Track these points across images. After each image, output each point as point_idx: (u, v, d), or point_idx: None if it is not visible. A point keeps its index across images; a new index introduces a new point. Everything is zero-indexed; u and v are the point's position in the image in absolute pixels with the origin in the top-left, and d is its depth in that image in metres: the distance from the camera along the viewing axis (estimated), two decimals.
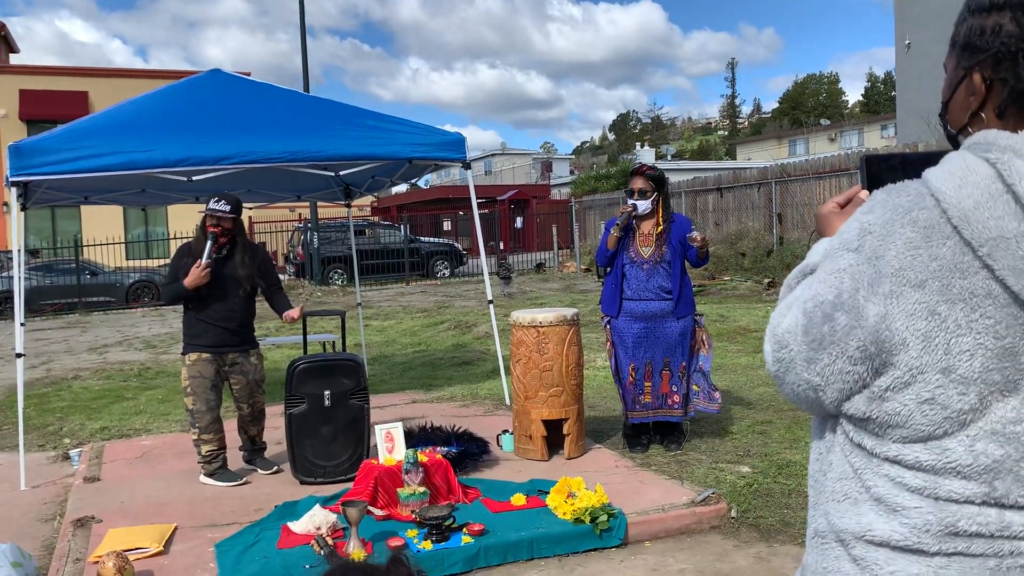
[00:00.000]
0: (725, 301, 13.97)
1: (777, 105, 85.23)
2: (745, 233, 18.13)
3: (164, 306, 5.40)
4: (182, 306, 5.13)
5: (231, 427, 5.42)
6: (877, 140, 51.09)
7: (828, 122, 65.04)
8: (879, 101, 71.69)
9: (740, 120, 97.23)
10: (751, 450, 5.35)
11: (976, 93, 1.17)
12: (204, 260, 4.94)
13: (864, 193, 1.34)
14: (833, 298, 1.16)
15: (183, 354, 5.08)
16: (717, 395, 5.36)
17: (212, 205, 5.03)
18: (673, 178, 31.18)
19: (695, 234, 5.18)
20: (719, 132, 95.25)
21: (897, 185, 1.18)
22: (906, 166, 1.33)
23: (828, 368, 1.18)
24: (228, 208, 5.04)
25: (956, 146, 1.21)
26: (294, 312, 5.23)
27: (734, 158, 62.49)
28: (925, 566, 1.12)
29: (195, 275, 4.92)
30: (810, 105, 78.90)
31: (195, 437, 5.02)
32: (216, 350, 5.04)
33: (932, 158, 1.25)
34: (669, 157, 59.68)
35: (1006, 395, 1.08)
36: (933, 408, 1.10)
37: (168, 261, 5.45)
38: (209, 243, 4.99)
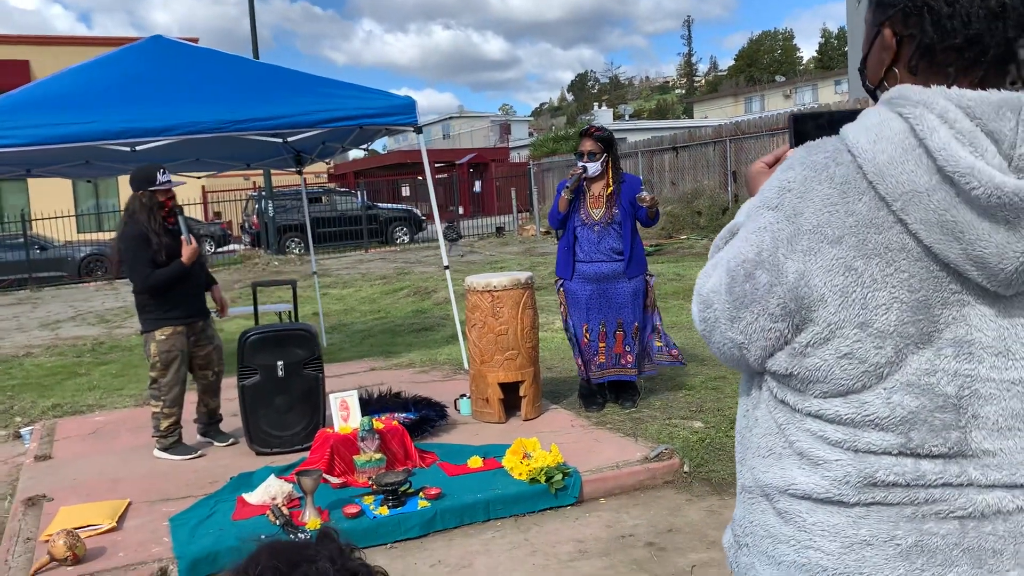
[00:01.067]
0: (682, 260, 14.09)
1: (733, 63, 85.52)
2: (701, 192, 18.25)
3: (117, 280, 5.22)
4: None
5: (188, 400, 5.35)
6: (831, 96, 51.54)
7: (783, 79, 65.43)
8: (833, 57, 72.23)
9: (697, 78, 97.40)
10: (704, 405, 5.43)
11: (887, 48, 1.17)
12: (187, 235, 4.92)
13: (792, 152, 1.34)
14: (754, 256, 1.17)
15: (150, 330, 4.89)
16: (675, 352, 5.43)
17: (166, 181, 4.90)
18: (630, 138, 31.25)
19: (644, 194, 5.19)
20: (676, 91, 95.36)
21: (816, 142, 1.18)
22: (834, 124, 1.33)
23: (751, 326, 1.18)
24: (182, 182, 5.01)
25: (876, 101, 1.21)
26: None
27: (691, 117, 62.67)
28: (845, 516, 1.14)
29: (190, 252, 4.89)
30: (766, 62, 79.29)
31: (156, 410, 4.95)
32: (188, 321, 5.00)
33: (859, 115, 1.25)
34: (627, 117, 59.71)
35: (920, 347, 1.10)
36: (851, 362, 1.11)
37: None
38: (180, 218, 4.96)
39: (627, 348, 5.35)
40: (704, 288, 1.28)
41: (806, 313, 1.13)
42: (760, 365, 1.22)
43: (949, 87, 1.07)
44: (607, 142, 5.37)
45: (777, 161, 1.39)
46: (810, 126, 1.35)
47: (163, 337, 4.87)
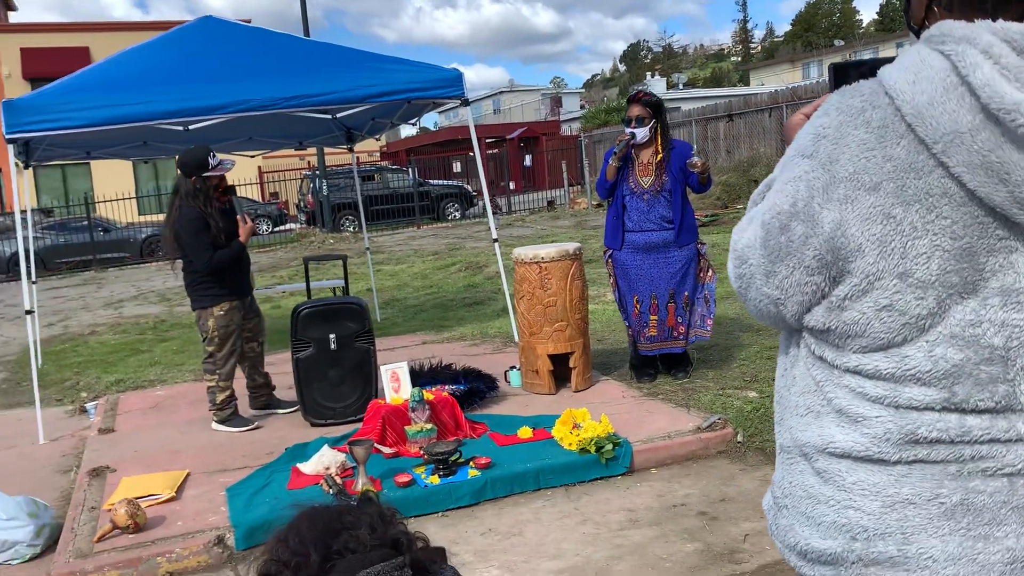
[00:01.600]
0: None
1: (790, 28, 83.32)
2: (757, 160, 17.88)
3: (171, 262, 5.32)
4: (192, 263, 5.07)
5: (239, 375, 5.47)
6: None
7: (842, 43, 63.55)
8: (894, 19, 69.84)
9: (753, 45, 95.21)
10: (758, 375, 5.35)
11: None
12: (242, 213, 5.10)
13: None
14: (789, 207, 1.12)
15: (207, 307, 4.99)
16: (710, 323, 5.32)
17: (218, 164, 4.98)
18: (685, 106, 30.72)
19: (695, 159, 5.07)
20: (732, 58, 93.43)
21: (852, 86, 1.13)
22: (875, 73, 1.27)
23: (786, 280, 1.15)
24: (231, 162, 5.13)
25: None
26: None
27: (747, 84, 61.34)
28: (886, 475, 1.10)
29: (247, 230, 5.07)
30: (824, 26, 77.04)
31: (212, 384, 5.07)
32: (242, 296, 5.14)
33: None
34: (681, 86, 58.73)
35: (964, 297, 1.05)
36: (891, 314, 1.07)
37: None
38: (235, 199, 5.14)
39: (679, 320, 5.27)
40: (739, 244, 1.24)
41: (843, 264, 1.08)
42: (797, 321, 1.18)
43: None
44: (656, 107, 5.26)
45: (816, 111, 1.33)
46: (852, 76, 1.29)
47: (221, 312, 4.98)
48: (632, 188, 5.24)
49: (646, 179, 5.22)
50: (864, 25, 79.42)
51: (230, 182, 5.27)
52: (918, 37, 1.17)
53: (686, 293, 5.25)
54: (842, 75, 1.31)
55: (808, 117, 1.33)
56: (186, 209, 4.95)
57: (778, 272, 1.15)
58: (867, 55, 54.94)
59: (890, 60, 1.24)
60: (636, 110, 5.23)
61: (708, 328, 5.34)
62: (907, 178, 1.04)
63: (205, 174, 4.95)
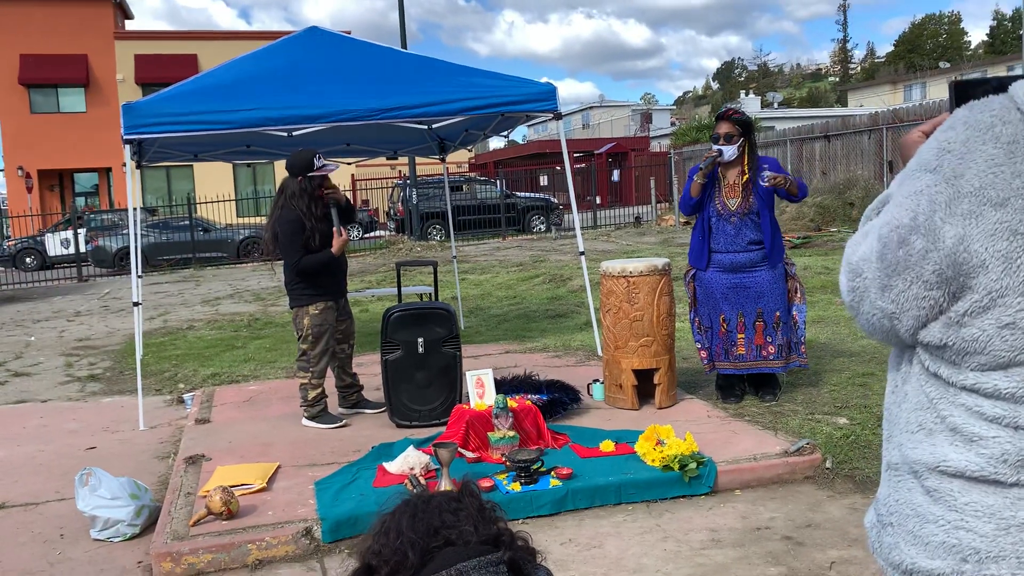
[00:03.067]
0: (831, 254, 13.49)
1: (892, 48, 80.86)
2: (854, 182, 17.40)
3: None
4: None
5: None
6: None
7: (948, 65, 61.32)
8: (1005, 41, 67.05)
9: (852, 65, 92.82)
10: (850, 402, 5.20)
11: None
12: (338, 227, 5.19)
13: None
14: (909, 221, 1.11)
15: (303, 305, 5.16)
16: (803, 348, 5.21)
17: (321, 165, 5.15)
18: (779, 126, 30.12)
19: (767, 172, 4.97)
20: (829, 78, 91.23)
21: (980, 101, 1.11)
22: (1000, 91, 1.25)
23: (903, 294, 1.13)
24: (335, 166, 5.28)
25: None
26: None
27: (845, 105, 59.77)
28: (1002, 497, 1.08)
29: (340, 243, 5.17)
30: (928, 47, 74.52)
31: (305, 381, 5.23)
32: (337, 298, 5.30)
33: None
34: (776, 105, 57.60)
35: None
36: (1015, 333, 1.05)
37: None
38: (334, 210, 5.22)
39: (768, 339, 5.17)
40: (854, 256, 1.23)
41: (964, 280, 1.07)
42: (911, 336, 1.17)
43: None
44: (745, 125, 5.19)
45: (935, 129, 1.31)
46: (974, 92, 1.27)
47: (316, 312, 5.14)
48: (719, 210, 5.16)
49: (733, 200, 5.14)
50: (972, 47, 76.46)
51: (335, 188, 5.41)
52: None
53: (777, 312, 5.15)
54: (963, 92, 1.29)
55: (926, 135, 1.32)
56: (287, 210, 5.14)
57: (895, 286, 1.14)
58: (975, 77, 52.87)
59: (1017, 78, 1.22)
60: (725, 127, 5.16)
61: (803, 354, 5.23)
62: None
63: (310, 174, 5.14)
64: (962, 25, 78.01)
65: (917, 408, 1.18)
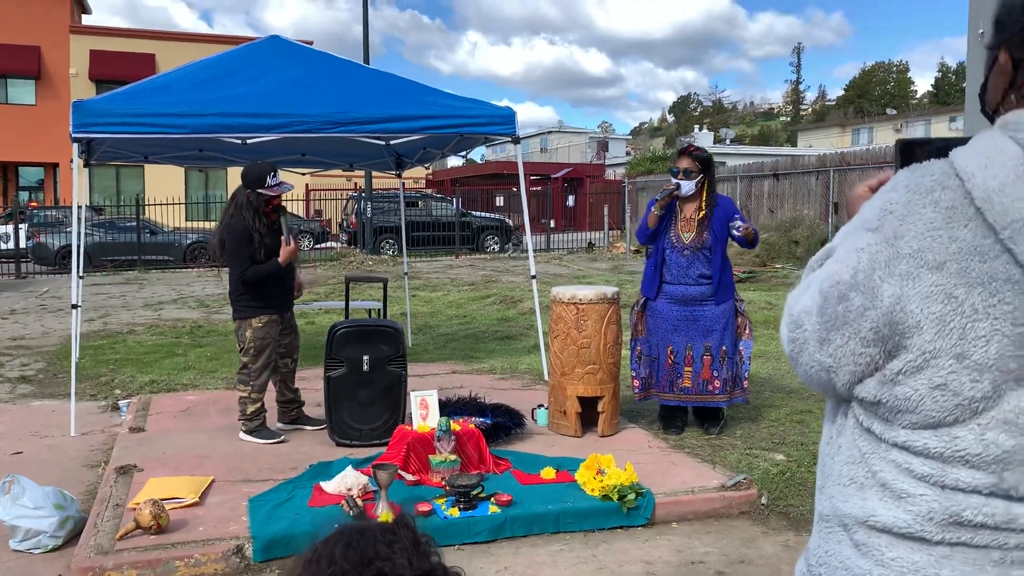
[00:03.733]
0: (775, 289, 13.76)
1: (843, 93, 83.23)
2: (800, 221, 17.80)
3: (218, 268, 5.40)
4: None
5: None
6: (945, 131, 49.52)
7: (895, 112, 63.26)
8: (950, 92, 69.49)
9: (804, 107, 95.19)
10: (787, 438, 5.29)
11: (1004, 72, 1.13)
12: (287, 236, 5.15)
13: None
14: (849, 278, 1.14)
15: (246, 317, 5.09)
16: (745, 383, 5.33)
17: (275, 184, 5.11)
18: (730, 162, 30.69)
19: (738, 223, 5.11)
20: (781, 118, 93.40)
21: (922, 164, 1.15)
22: (944, 152, 1.29)
23: (841, 349, 1.16)
24: (290, 186, 5.26)
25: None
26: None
27: (795, 145, 61.19)
28: (927, 554, 1.10)
29: (288, 252, 5.12)
30: (877, 94, 76.86)
31: (244, 395, 5.13)
32: (281, 311, 5.22)
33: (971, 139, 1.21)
34: (728, 141, 58.67)
35: (1021, 384, 1.05)
36: (945, 394, 1.07)
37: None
38: (283, 218, 5.19)
39: (715, 373, 5.24)
40: (795, 308, 1.25)
41: (900, 339, 1.09)
42: (848, 391, 1.19)
43: None
44: (705, 162, 5.29)
45: (881, 185, 1.35)
46: (918, 153, 1.31)
47: (260, 324, 5.06)
48: (673, 242, 5.26)
49: (687, 234, 5.24)
50: (918, 96, 79.07)
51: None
52: (992, 122, 1.19)
53: (724, 347, 5.23)
54: (908, 152, 1.32)
55: (872, 190, 1.35)
56: (236, 219, 5.08)
57: (833, 340, 1.16)
58: (919, 126, 54.63)
59: (959, 141, 1.26)
60: (685, 162, 5.26)
61: (746, 390, 5.34)
62: (972, 261, 1.05)
63: (261, 190, 5.07)
64: (909, 74, 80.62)
65: (849, 462, 1.20)
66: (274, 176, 5.13)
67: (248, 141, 6.26)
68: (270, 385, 5.27)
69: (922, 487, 1.11)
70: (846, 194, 17.29)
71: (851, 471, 1.20)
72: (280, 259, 5.09)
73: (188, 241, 20.25)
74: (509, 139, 6.69)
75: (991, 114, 1.19)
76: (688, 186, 5.22)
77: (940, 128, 51.68)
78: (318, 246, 23.73)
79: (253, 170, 5.13)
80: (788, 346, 1.27)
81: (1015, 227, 1.02)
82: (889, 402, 1.12)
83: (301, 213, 26.43)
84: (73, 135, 5.68)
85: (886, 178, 1.34)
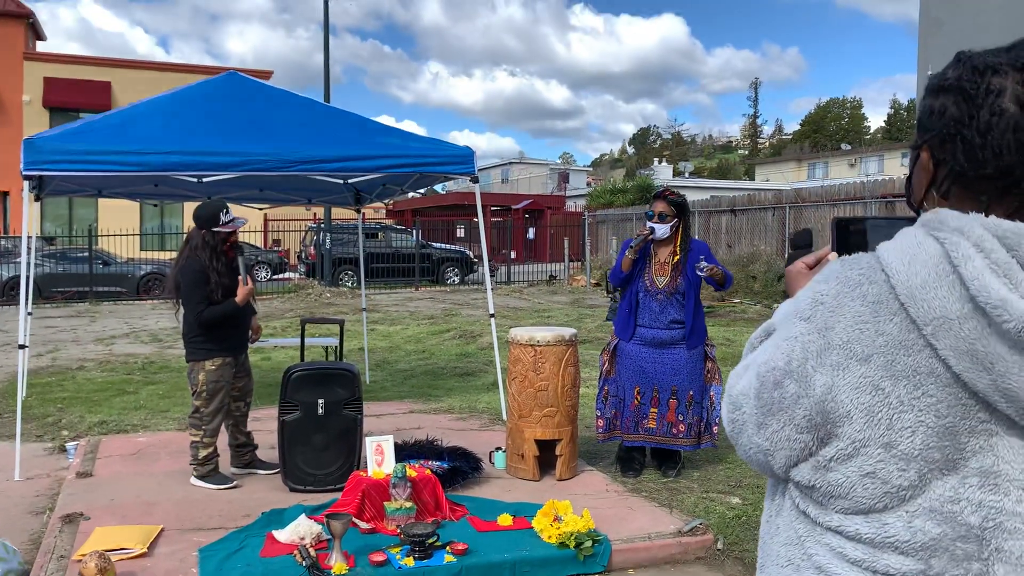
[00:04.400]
0: (732, 324, 13.93)
1: (799, 127, 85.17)
2: (757, 256, 18.09)
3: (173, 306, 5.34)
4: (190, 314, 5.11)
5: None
6: (897, 168, 50.85)
7: (849, 147, 64.84)
8: (902, 128, 71.50)
9: (761, 140, 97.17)
10: (743, 481, 5.33)
11: (926, 170, 1.18)
12: (244, 276, 5.09)
13: (833, 255, 1.35)
14: (783, 365, 1.17)
15: (199, 360, 5.03)
16: (715, 428, 5.35)
17: (229, 221, 5.06)
18: (689, 196, 31.18)
19: (703, 263, 5.13)
20: (739, 151, 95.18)
21: (852, 257, 1.18)
22: (874, 230, 1.34)
23: (777, 434, 1.18)
24: (243, 221, 5.21)
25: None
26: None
27: (752, 178, 62.37)
28: None
29: (245, 292, 5.06)
30: (832, 129, 78.80)
31: (196, 439, 5.05)
32: (235, 353, 5.16)
33: (898, 224, 1.26)
34: (687, 174, 59.61)
35: (945, 474, 1.09)
36: (874, 482, 1.10)
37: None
38: (240, 258, 5.13)
39: (680, 417, 5.27)
40: (734, 390, 1.28)
41: (831, 427, 1.12)
42: (784, 473, 1.22)
43: (984, 215, 1.08)
44: (680, 207, 5.33)
45: (818, 263, 1.39)
46: (851, 231, 1.36)
47: (213, 367, 4.99)
48: (647, 286, 5.29)
49: (661, 279, 5.28)
50: (871, 132, 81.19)
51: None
52: (917, 216, 1.23)
53: (691, 392, 5.26)
54: (843, 229, 1.38)
55: (809, 267, 1.39)
56: (192, 260, 5.03)
57: (769, 425, 1.19)
58: (873, 161, 56.02)
59: (890, 221, 1.32)
60: (660, 206, 5.30)
61: (715, 435, 5.36)
62: (897, 354, 1.08)
63: (215, 228, 5.03)
64: (863, 111, 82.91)
65: (787, 543, 1.22)
66: (227, 213, 5.10)
67: (204, 179, 6.22)
68: (223, 429, 5.19)
69: (855, 571, 1.13)
70: (801, 227, 17.57)
71: (788, 552, 1.22)
72: (238, 299, 5.04)
73: (142, 272, 19.91)
74: (468, 177, 6.73)
75: (915, 209, 1.24)
76: (662, 230, 5.27)
77: (893, 163, 53.05)
78: (275, 277, 23.51)
79: (205, 210, 5.09)
80: (729, 427, 1.30)
81: (936, 324, 1.06)
82: (823, 487, 1.15)
83: (259, 243, 26.21)
84: (24, 172, 5.59)
85: (822, 255, 1.39)
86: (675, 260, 5.27)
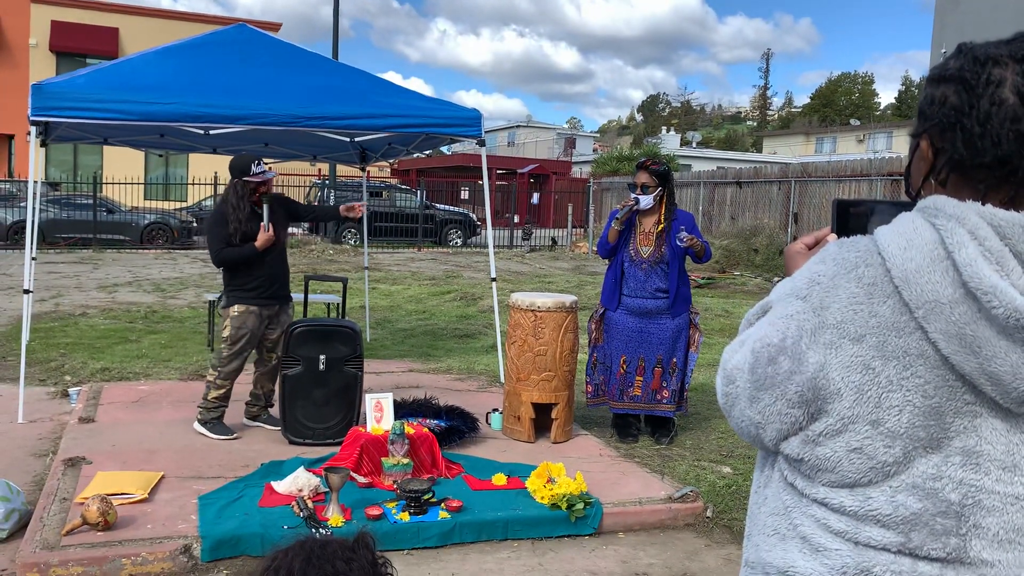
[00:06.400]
0: (732, 296, 13.97)
1: (809, 101, 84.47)
2: (760, 229, 18.08)
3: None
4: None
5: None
6: (906, 145, 50.49)
7: (858, 123, 64.37)
8: (912, 106, 70.83)
9: (770, 112, 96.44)
10: (735, 451, 5.41)
11: (924, 159, 1.21)
12: (266, 223, 5.14)
13: (832, 236, 1.38)
14: (778, 341, 1.21)
15: (227, 305, 5.13)
16: (686, 395, 5.48)
17: (260, 172, 5.14)
18: (696, 167, 31.02)
19: (683, 234, 5.18)
20: (748, 122, 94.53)
21: (850, 240, 1.22)
22: (874, 213, 1.37)
23: (768, 408, 1.22)
24: (273, 173, 5.27)
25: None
26: (356, 205, 5.51)
27: (760, 151, 62.03)
28: None
29: (265, 239, 5.10)
30: (842, 104, 78.15)
31: (211, 379, 5.13)
32: (262, 303, 5.19)
33: (899, 207, 1.29)
34: (694, 144, 59.27)
35: (929, 452, 1.13)
36: (860, 457, 1.15)
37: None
38: (267, 207, 5.17)
39: (664, 384, 5.36)
40: (729, 364, 1.32)
41: (822, 404, 1.16)
42: (774, 446, 1.26)
43: (980, 203, 1.11)
44: (663, 177, 5.38)
45: (817, 243, 1.42)
46: (852, 213, 1.39)
47: (235, 314, 5.08)
48: (632, 256, 5.35)
49: (646, 248, 5.33)
50: (881, 108, 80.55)
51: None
52: (915, 203, 1.26)
53: (674, 359, 5.35)
54: (843, 210, 1.41)
55: (808, 247, 1.43)
56: (219, 205, 5.21)
57: (761, 399, 1.23)
58: (882, 138, 55.68)
59: (892, 205, 1.35)
60: (643, 177, 5.34)
61: (686, 400, 5.49)
62: (889, 335, 1.12)
63: (246, 178, 5.11)
64: (874, 86, 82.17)
65: (774, 513, 1.27)
66: (259, 164, 5.20)
67: (211, 132, 6.23)
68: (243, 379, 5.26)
69: (838, 542, 1.18)
70: (806, 205, 17.55)
71: (775, 522, 1.27)
72: (257, 244, 5.10)
73: (146, 221, 19.94)
74: (474, 140, 6.73)
75: (913, 196, 1.27)
76: (646, 200, 5.31)
77: (902, 140, 52.70)
78: None
79: (237, 161, 5.22)
80: (722, 399, 1.34)
81: (928, 307, 1.09)
82: (810, 460, 1.19)
83: None
84: (31, 118, 5.59)
85: (821, 235, 1.42)
86: (659, 229, 5.32)
